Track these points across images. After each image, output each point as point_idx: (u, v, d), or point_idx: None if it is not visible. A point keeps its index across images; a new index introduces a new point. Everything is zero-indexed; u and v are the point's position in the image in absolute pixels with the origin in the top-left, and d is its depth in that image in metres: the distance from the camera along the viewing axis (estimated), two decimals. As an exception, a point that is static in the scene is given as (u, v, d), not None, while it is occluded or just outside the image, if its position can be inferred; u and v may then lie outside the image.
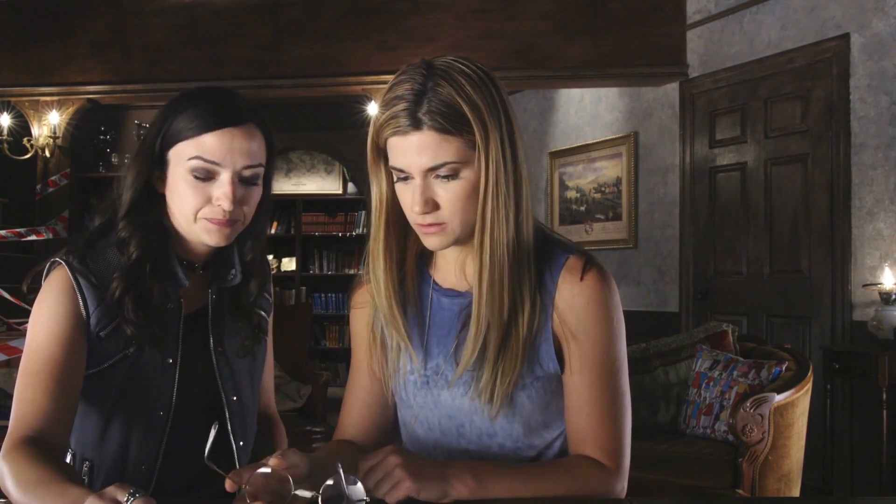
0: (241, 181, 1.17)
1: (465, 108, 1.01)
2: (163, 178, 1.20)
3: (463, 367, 1.10)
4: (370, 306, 1.18)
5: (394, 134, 1.03)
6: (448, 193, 1.04)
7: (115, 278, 1.17)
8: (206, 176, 1.16)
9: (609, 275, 1.12)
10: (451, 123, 1.01)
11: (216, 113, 1.16)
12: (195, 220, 1.18)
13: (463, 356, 1.09)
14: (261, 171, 1.20)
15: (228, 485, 0.89)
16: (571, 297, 1.09)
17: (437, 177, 1.03)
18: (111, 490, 0.86)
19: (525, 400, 1.11)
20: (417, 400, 1.16)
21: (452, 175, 1.03)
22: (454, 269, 1.15)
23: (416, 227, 1.08)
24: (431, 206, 1.04)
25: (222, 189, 1.15)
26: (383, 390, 1.21)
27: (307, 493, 0.88)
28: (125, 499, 0.84)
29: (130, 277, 1.17)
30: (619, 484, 1.08)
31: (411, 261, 1.16)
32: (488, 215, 1.05)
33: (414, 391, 1.16)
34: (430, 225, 1.05)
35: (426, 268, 1.18)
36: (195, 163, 1.15)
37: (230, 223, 1.18)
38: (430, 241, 1.08)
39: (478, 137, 1.02)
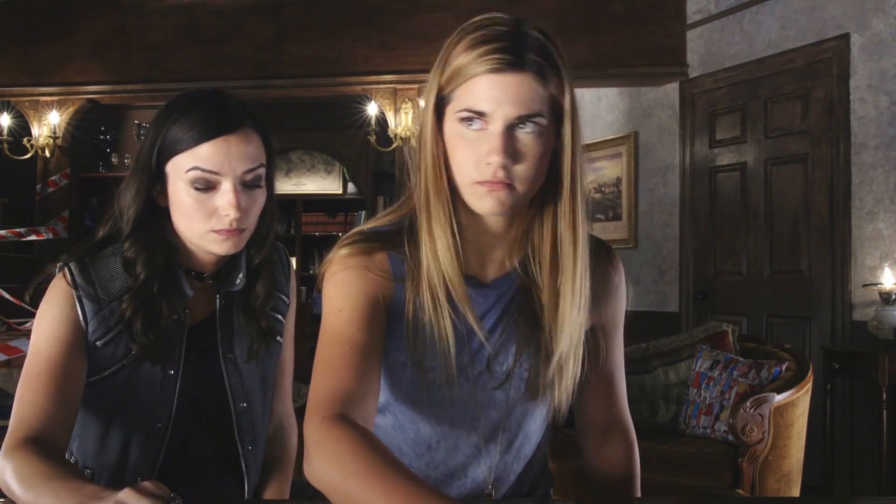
0: (244, 186, 1.15)
1: (557, 57, 0.92)
2: (163, 191, 1.18)
3: (539, 375, 1.02)
4: (391, 287, 1.02)
5: (489, 71, 0.89)
6: (528, 150, 0.91)
7: (124, 300, 1.16)
8: (206, 186, 1.13)
9: None
10: (548, 71, 0.91)
11: (210, 121, 1.13)
12: (202, 233, 1.15)
13: (542, 362, 1.02)
14: (262, 171, 1.17)
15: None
16: (609, 287, 1.08)
17: (521, 130, 0.91)
18: (148, 485, 0.86)
19: (549, 395, 1.07)
20: (433, 396, 1.04)
21: (538, 131, 0.91)
22: (476, 257, 1.04)
23: (473, 187, 0.93)
24: (512, 158, 0.91)
25: (226, 198, 1.13)
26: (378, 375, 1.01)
27: None
28: (166, 498, 0.84)
29: (140, 298, 1.16)
30: None
31: None
32: (577, 176, 0.95)
33: (432, 389, 1.04)
34: (498, 182, 0.91)
35: None
36: (194, 174, 1.12)
37: (238, 232, 1.16)
38: (489, 201, 0.93)
39: (567, 90, 0.93)
